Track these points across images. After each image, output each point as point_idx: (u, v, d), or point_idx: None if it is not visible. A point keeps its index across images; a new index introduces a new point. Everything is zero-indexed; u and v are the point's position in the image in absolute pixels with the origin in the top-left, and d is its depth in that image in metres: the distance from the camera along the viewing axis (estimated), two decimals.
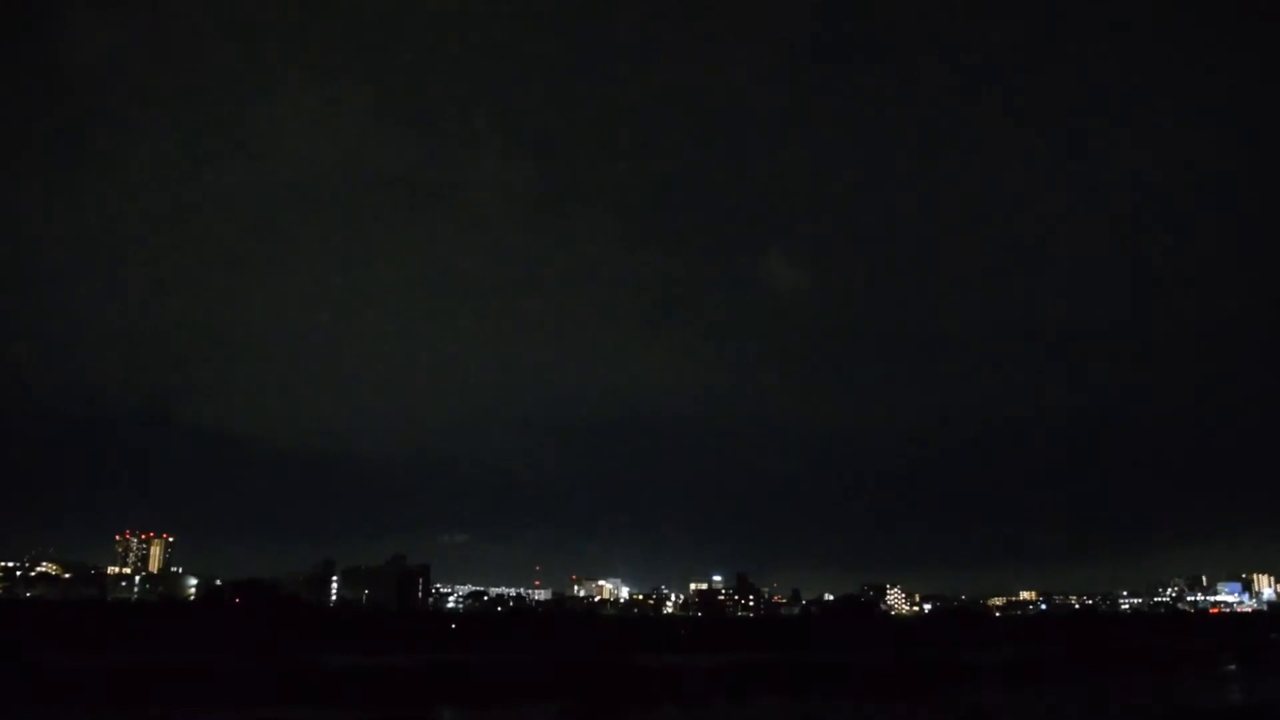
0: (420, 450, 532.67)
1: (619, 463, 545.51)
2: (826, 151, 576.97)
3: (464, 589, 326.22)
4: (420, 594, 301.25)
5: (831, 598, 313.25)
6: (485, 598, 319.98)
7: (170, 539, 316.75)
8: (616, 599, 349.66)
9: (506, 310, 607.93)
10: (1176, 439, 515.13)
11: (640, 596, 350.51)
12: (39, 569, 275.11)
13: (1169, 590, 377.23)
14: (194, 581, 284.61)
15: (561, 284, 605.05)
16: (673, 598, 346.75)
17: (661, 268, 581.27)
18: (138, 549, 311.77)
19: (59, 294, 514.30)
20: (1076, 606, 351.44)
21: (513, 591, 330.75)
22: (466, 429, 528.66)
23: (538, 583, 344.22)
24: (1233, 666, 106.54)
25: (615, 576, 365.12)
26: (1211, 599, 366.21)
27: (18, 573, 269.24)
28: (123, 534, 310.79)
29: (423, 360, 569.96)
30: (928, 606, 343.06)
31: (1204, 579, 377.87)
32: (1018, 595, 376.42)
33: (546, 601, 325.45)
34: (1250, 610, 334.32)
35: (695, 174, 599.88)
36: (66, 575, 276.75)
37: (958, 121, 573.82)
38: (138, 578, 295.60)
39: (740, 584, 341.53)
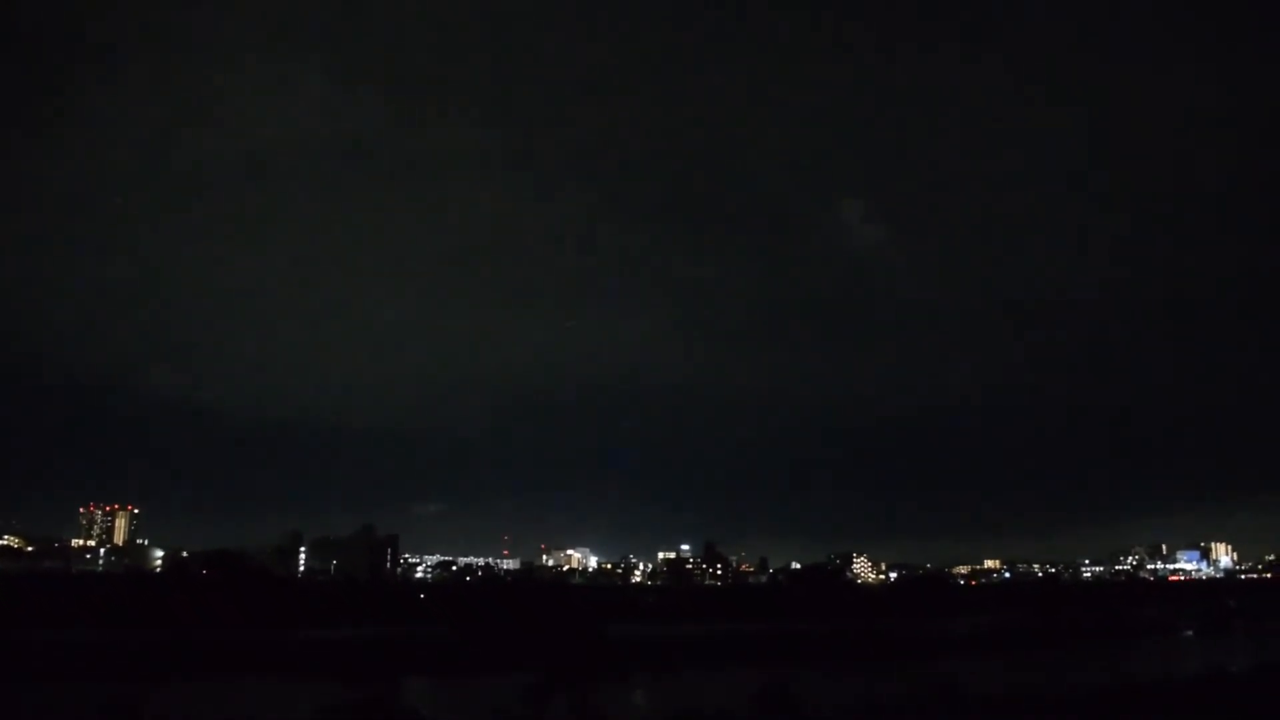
0: (389, 420, 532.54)
1: (588, 432, 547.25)
2: (798, 123, 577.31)
3: (432, 559, 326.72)
4: (389, 564, 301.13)
5: (799, 566, 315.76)
6: (454, 568, 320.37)
7: (135, 511, 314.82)
8: (585, 568, 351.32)
9: (476, 278, 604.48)
10: (1138, 413, 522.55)
11: (609, 566, 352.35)
12: (1, 542, 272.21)
13: (1130, 559, 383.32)
14: (160, 553, 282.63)
15: (532, 252, 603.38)
16: (641, 567, 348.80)
17: (632, 236, 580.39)
18: (102, 521, 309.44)
19: (20, 262, 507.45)
20: (1039, 575, 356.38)
21: (481, 561, 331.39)
22: (435, 398, 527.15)
23: (506, 552, 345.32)
24: (1190, 633, 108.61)
25: (584, 546, 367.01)
26: (1171, 567, 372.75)
27: None
28: (87, 506, 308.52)
29: (391, 329, 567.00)
30: (894, 575, 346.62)
31: (1164, 547, 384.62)
32: (982, 564, 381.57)
33: (515, 571, 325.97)
34: (1208, 578, 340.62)
35: (666, 142, 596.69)
36: (29, 548, 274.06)
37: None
38: (103, 550, 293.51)
39: (708, 553, 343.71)
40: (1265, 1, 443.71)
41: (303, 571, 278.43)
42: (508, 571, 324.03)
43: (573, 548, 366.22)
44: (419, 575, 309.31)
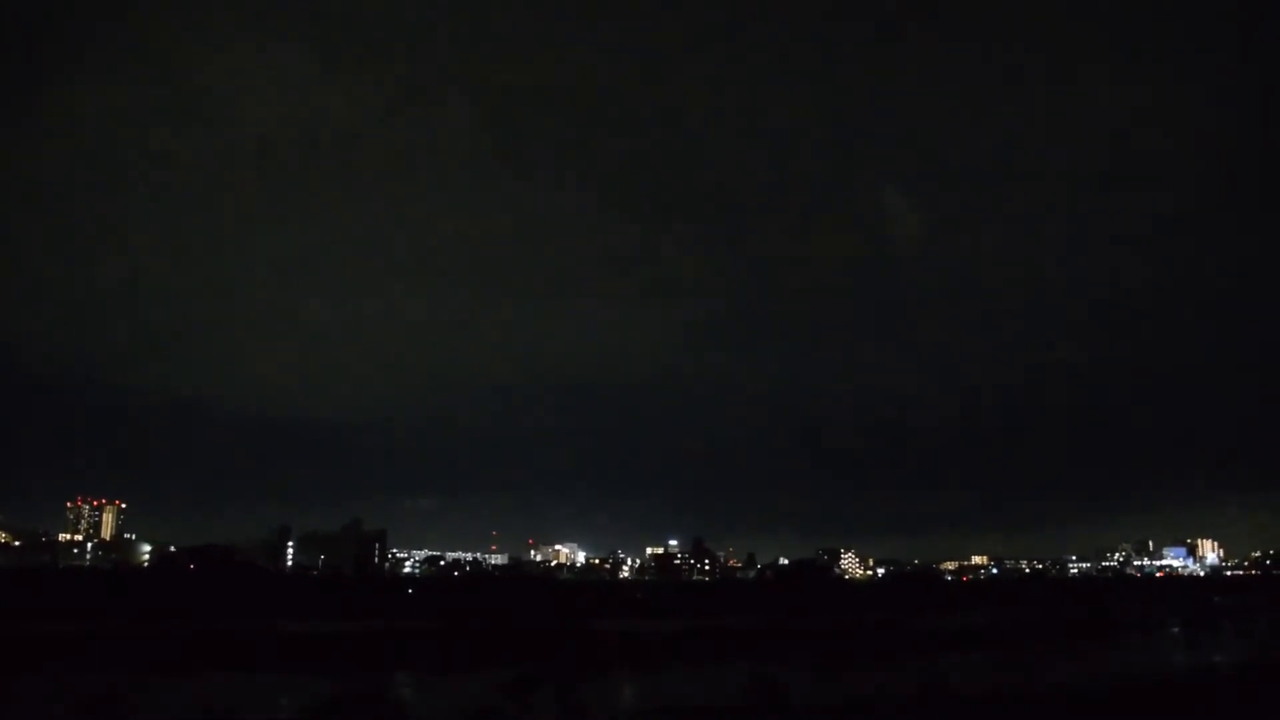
0: (377, 413, 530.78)
1: (576, 427, 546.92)
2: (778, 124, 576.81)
3: (421, 554, 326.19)
4: (377, 559, 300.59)
5: (786, 562, 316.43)
6: (442, 562, 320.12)
7: (123, 505, 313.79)
8: (573, 563, 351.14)
9: (466, 270, 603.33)
10: (1125, 410, 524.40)
11: (597, 561, 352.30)
12: None
13: (1116, 555, 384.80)
14: (147, 548, 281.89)
15: (523, 244, 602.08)
16: (629, 562, 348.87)
17: (625, 230, 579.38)
18: (90, 515, 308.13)
19: (9, 258, 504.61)
20: (1026, 571, 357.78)
21: (469, 556, 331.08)
22: (424, 392, 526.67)
23: (494, 548, 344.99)
24: (1177, 630, 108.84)
25: (572, 541, 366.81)
26: (1158, 564, 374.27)
27: None
28: (74, 500, 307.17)
29: (380, 321, 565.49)
30: (881, 571, 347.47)
31: (1150, 544, 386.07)
32: (969, 560, 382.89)
33: (503, 566, 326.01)
34: (1195, 575, 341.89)
35: (659, 136, 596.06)
36: (16, 542, 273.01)
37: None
38: (90, 544, 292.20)
39: (696, 548, 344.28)
40: None
41: (290, 566, 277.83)
42: (496, 566, 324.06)
43: (561, 543, 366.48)
44: (407, 570, 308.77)
